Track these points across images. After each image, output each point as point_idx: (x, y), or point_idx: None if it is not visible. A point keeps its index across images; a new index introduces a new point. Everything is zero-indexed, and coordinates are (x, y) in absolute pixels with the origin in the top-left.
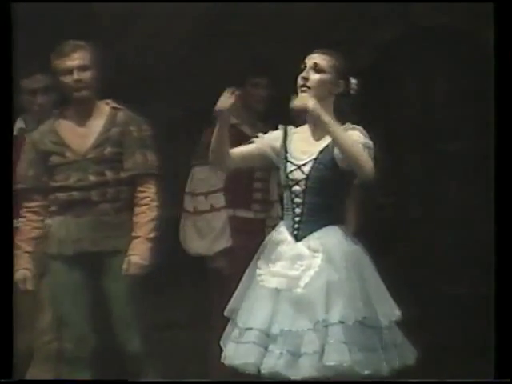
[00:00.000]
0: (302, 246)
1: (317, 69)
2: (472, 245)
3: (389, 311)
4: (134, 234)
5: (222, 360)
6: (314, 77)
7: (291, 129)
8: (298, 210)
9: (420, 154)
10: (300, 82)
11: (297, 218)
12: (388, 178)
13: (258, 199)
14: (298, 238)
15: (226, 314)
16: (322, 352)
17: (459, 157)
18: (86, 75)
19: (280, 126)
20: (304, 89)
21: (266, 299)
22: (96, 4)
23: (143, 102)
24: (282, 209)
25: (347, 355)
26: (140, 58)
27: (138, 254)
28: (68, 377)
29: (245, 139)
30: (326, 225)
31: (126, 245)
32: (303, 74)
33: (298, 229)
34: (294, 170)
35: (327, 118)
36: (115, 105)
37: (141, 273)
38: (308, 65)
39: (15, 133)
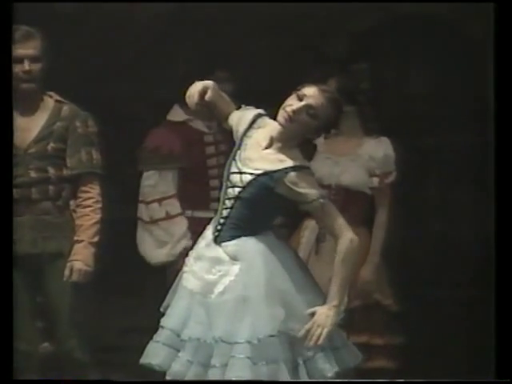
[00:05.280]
0: (221, 251)
1: (310, 112)
2: (472, 244)
3: None
4: (76, 237)
5: None
6: (304, 118)
7: (262, 121)
8: (224, 212)
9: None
10: (289, 111)
11: (221, 220)
12: None
13: (216, 197)
14: (216, 241)
15: (161, 309)
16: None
17: (443, 152)
18: (37, 67)
19: (255, 112)
20: (288, 118)
21: (183, 299)
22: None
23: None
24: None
25: (248, 370)
26: (94, 48)
27: (81, 259)
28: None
29: (196, 135)
30: (247, 235)
31: (68, 247)
32: (294, 108)
33: (219, 230)
34: (236, 172)
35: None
36: (59, 98)
37: (84, 279)
38: (304, 101)
39: None
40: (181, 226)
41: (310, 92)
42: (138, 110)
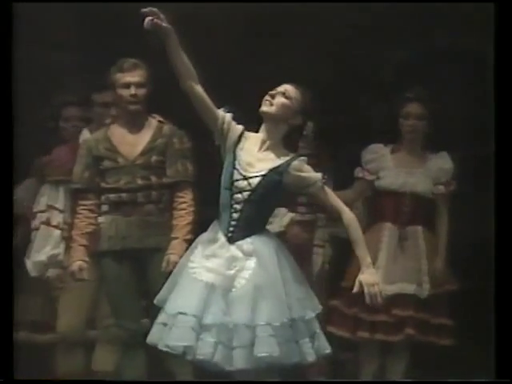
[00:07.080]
0: (235, 249)
1: (285, 95)
2: (473, 241)
3: (315, 306)
4: (172, 235)
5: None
6: (280, 99)
7: (246, 134)
8: (235, 215)
9: None
10: (267, 97)
11: (233, 223)
12: None
13: (303, 202)
14: (230, 241)
15: (155, 302)
16: (252, 345)
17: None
18: (142, 91)
19: (238, 128)
20: (267, 103)
21: (200, 290)
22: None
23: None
24: (219, 207)
25: (276, 347)
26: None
27: (177, 253)
28: (126, 358)
29: None
30: (258, 231)
31: (167, 243)
32: (272, 92)
33: (232, 232)
34: (241, 179)
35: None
36: (161, 119)
37: None
38: (278, 89)
39: (80, 141)
40: None
41: (282, 86)
42: None
